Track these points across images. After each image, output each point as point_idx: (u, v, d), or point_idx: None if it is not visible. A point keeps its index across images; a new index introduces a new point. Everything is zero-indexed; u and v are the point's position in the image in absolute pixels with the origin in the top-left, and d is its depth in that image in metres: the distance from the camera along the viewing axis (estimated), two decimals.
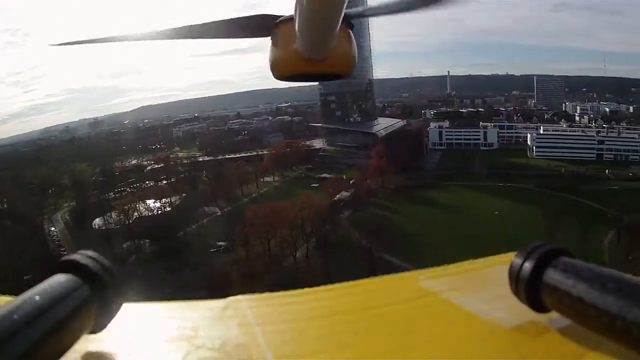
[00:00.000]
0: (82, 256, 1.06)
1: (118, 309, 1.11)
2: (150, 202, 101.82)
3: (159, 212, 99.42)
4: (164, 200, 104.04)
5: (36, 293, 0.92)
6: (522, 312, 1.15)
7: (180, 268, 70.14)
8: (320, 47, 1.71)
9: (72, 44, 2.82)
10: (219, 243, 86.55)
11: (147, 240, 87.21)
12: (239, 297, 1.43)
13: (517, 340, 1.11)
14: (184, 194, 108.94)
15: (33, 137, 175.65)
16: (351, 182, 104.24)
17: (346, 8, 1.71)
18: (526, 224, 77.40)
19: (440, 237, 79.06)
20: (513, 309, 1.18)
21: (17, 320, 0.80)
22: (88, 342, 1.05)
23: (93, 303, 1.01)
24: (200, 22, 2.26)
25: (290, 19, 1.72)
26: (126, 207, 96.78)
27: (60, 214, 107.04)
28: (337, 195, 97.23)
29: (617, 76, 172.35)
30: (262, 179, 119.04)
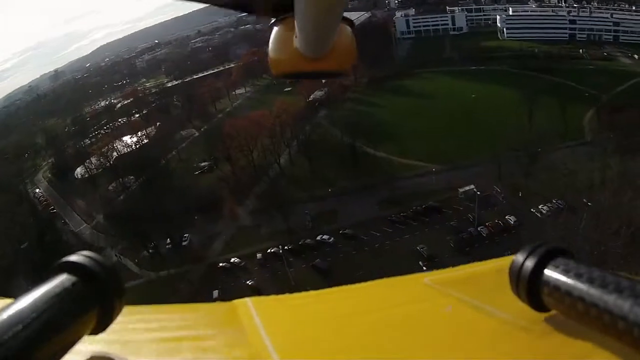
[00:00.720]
0: (83, 257, 1.03)
1: (119, 310, 1.07)
2: (126, 139, 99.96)
3: (137, 146, 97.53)
4: (139, 133, 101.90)
5: (37, 294, 0.90)
6: (524, 313, 1.14)
7: (169, 196, 69.33)
8: (320, 45, 1.67)
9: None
10: (202, 164, 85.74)
11: (132, 177, 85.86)
12: (245, 299, 1.41)
13: (518, 340, 1.11)
14: (158, 123, 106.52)
15: None
16: (323, 80, 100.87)
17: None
18: (504, 105, 76.43)
19: (420, 124, 78.36)
20: (515, 309, 1.17)
21: (18, 322, 0.79)
22: (89, 344, 1.03)
23: (94, 304, 0.99)
24: None
25: (290, 16, 1.66)
26: (104, 150, 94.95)
27: (41, 174, 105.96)
28: (312, 96, 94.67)
29: None
30: (233, 92, 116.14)
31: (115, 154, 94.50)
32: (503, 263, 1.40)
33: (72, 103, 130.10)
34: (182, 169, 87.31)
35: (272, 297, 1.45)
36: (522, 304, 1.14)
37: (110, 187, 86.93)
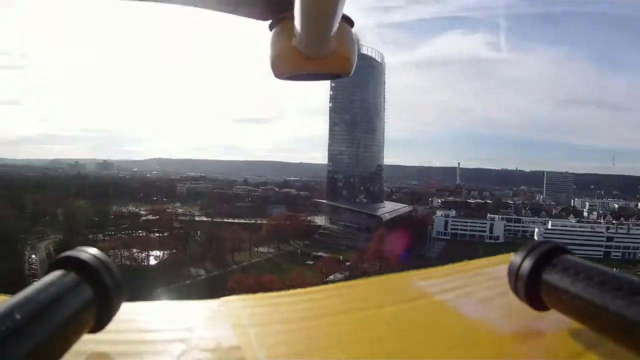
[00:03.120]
0: (83, 252, 1.01)
1: (118, 307, 1.06)
2: (136, 252, 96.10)
3: (143, 263, 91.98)
4: (150, 252, 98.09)
5: (35, 291, 0.88)
6: (521, 311, 1.13)
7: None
8: (320, 45, 1.65)
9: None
10: None
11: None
12: (233, 297, 1.38)
13: (515, 339, 1.10)
14: (174, 250, 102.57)
15: (43, 165, 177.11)
16: (347, 263, 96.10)
17: None
18: None
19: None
20: (510, 308, 1.16)
21: (16, 319, 0.77)
22: (87, 341, 1.01)
23: (93, 301, 0.97)
24: None
25: (290, 16, 1.63)
26: (110, 252, 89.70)
27: (45, 244, 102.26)
28: (330, 276, 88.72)
29: (625, 174, 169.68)
30: (256, 248, 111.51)
31: (118, 260, 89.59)
32: (496, 261, 1.40)
33: (105, 196, 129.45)
34: None
35: (260, 295, 1.41)
36: (519, 303, 1.13)
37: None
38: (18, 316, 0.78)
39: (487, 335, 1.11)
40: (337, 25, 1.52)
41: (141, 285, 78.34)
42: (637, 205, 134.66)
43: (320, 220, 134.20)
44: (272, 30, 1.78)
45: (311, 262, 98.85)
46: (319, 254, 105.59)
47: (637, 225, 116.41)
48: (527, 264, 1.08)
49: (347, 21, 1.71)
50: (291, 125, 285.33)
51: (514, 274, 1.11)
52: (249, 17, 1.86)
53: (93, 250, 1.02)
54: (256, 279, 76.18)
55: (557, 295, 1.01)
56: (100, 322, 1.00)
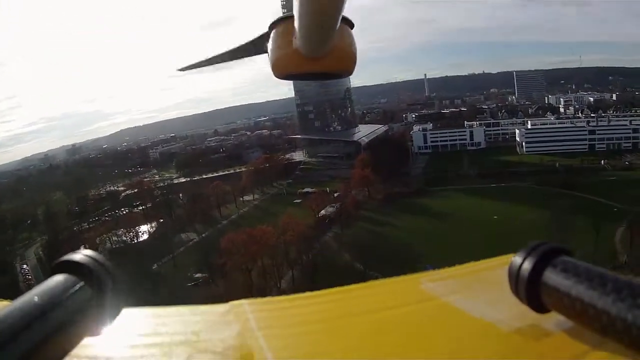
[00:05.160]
0: (83, 256, 1.03)
1: (119, 311, 1.07)
2: (123, 232, 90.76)
3: (132, 241, 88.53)
4: (138, 228, 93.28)
5: (36, 294, 0.89)
6: (522, 313, 1.13)
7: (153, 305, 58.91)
8: (320, 45, 1.71)
9: (194, 67, 2.44)
10: (197, 275, 75.50)
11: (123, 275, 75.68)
12: (241, 301, 1.40)
13: (517, 341, 1.10)
14: (161, 220, 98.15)
15: (13, 167, 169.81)
16: (335, 195, 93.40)
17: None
18: (529, 227, 67.02)
19: (440, 249, 68.38)
20: (513, 310, 1.16)
21: (16, 323, 0.78)
22: (88, 345, 1.02)
23: (94, 305, 0.98)
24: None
25: (290, 16, 1.71)
26: (98, 240, 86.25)
27: (33, 249, 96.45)
28: (322, 212, 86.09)
29: (592, 66, 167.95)
30: (241, 198, 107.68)
31: (107, 245, 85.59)
32: (501, 262, 1.40)
33: (80, 182, 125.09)
34: (174, 277, 77.04)
35: (268, 299, 1.43)
36: (522, 304, 1.13)
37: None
38: (18, 320, 0.78)
39: (490, 336, 1.12)
40: (338, 26, 1.55)
41: (135, 265, 74.92)
42: (612, 97, 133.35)
43: (298, 156, 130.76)
44: (273, 31, 1.82)
45: (299, 201, 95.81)
46: (305, 190, 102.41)
47: (617, 116, 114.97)
48: (527, 265, 1.08)
49: (347, 21, 1.74)
50: (249, 66, 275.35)
51: (514, 275, 1.11)
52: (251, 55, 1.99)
53: (93, 253, 1.01)
54: (248, 233, 72.73)
55: (557, 296, 1.01)
56: (100, 327, 0.99)
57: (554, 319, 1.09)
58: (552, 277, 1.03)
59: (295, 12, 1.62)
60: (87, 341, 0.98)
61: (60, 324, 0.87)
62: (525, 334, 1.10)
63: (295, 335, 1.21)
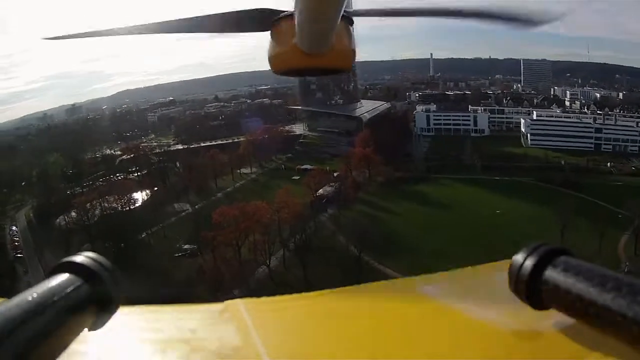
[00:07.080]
0: (82, 256, 1.04)
1: (117, 309, 1.08)
2: (115, 198, 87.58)
3: (125, 209, 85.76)
4: (131, 195, 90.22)
5: (35, 292, 0.90)
6: (522, 315, 1.13)
7: (135, 274, 56.40)
8: (320, 42, 1.70)
9: (63, 38, 2.53)
10: (185, 246, 73.01)
11: (110, 242, 73.01)
12: (237, 300, 1.40)
13: (517, 341, 1.10)
14: (155, 188, 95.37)
15: (13, 126, 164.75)
16: (335, 174, 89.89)
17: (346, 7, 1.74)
18: (533, 225, 64.67)
19: (438, 242, 65.74)
20: (512, 313, 1.15)
21: (15, 319, 0.78)
22: (85, 343, 1.02)
23: (92, 303, 0.99)
24: (191, 16, 2.16)
25: (290, 14, 1.70)
26: (89, 205, 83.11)
27: (24, 212, 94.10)
28: (320, 190, 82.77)
29: (601, 62, 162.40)
30: (238, 170, 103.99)
31: (98, 212, 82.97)
32: (499, 267, 1.38)
33: (78, 144, 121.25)
34: (163, 247, 74.52)
35: (264, 299, 1.42)
36: (521, 306, 1.12)
37: (82, 248, 73.42)
38: (16, 316, 0.78)
39: (490, 336, 1.12)
40: (338, 24, 1.54)
41: (127, 234, 72.23)
42: (619, 95, 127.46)
43: (298, 128, 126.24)
44: (273, 28, 1.81)
45: (297, 177, 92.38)
46: (304, 167, 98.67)
47: (624, 116, 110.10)
48: (528, 265, 1.07)
49: (346, 18, 1.73)
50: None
51: (514, 275, 1.10)
52: (241, 32, 1.96)
53: (93, 254, 1.02)
54: (241, 208, 69.63)
55: (558, 296, 1.00)
56: (98, 324, 1.00)
57: (554, 318, 1.08)
58: (554, 275, 1.02)
59: (296, 10, 1.59)
60: (84, 338, 0.98)
61: (58, 320, 0.88)
62: (525, 334, 1.10)
63: (291, 335, 1.21)
